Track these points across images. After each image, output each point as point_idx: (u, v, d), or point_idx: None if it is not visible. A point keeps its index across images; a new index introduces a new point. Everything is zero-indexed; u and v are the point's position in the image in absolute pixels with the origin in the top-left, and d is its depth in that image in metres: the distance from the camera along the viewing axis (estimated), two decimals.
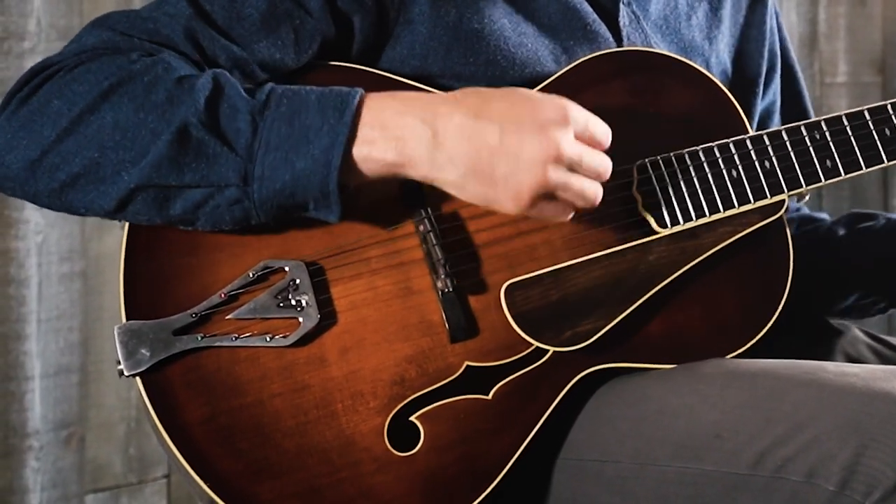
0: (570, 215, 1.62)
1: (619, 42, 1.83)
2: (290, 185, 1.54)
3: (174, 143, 1.53)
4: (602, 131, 1.61)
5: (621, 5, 1.84)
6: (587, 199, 1.60)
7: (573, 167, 1.58)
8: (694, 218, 1.74)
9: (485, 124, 1.56)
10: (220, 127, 1.54)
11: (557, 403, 1.67)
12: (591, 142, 1.60)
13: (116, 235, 1.63)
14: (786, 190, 1.78)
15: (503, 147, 1.55)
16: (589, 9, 1.81)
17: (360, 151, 1.55)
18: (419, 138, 1.55)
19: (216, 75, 1.57)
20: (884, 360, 1.97)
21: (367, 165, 1.56)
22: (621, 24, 1.84)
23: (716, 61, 1.95)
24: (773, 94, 2.06)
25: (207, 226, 1.59)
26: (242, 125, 1.54)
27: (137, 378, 1.58)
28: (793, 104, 2.10)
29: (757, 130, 1.87)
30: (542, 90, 1.73)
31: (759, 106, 2.03)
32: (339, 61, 1.71)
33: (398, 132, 1.55)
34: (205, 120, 1.54)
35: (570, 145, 1.57)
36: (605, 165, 1.61)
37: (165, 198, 1.56)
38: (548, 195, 1.58)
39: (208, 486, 1.56)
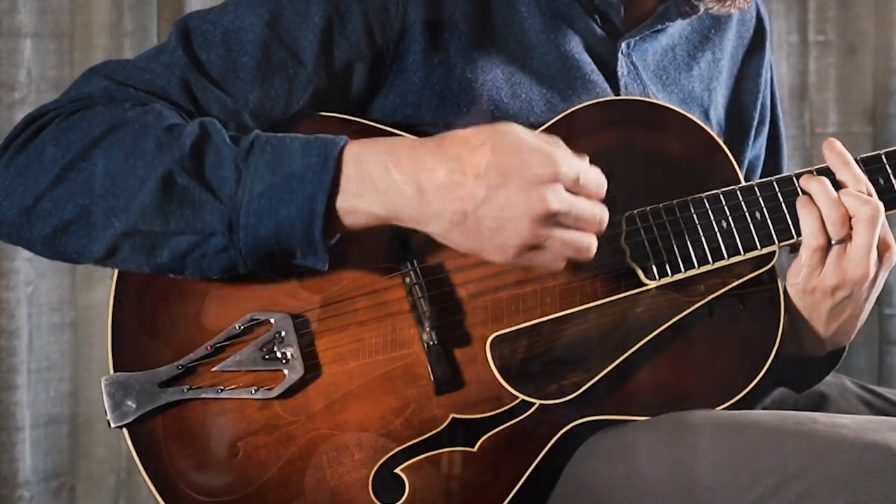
0: (562, 265, 1.60)
1: (617, 92, 1.83)
2: (274, 234, 1.54)
3: (159, 189, 1.53)
4: (596, 181, 1.60)
5: (620, 55, 1.84)
6: (579, 251, 1.59)
7: (563, 221, 1.56)
8: (683, 270, 1.73)
9: (470, 180, 1.54)
10: (205, 175, 1.55)
11: (544, 456, 1.66)
12: (585, 192, 1.58)
13: (106, 286, 1.63)
14: (777, 241, 1.76)
15: (488, 204, 1.53)
16: (588, 59, 1.81)
17: (345, 203, 1.55)
18: (404, 194, 1.54)
19: (203, 123, 1.58)
20: (875, 410, 1.96)
21: (352, 217, 1.56)
22: (619, 73, 1.83)
23: (714, 112, 1.95)
24: (759, 148, 2.05)
25: (196, 274, 1.59)
26: (227, 173, 1.54)
27: (124, 430, 1.58)
28: (773, 161, 2.08)
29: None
30: None
31: (748, 158, 2.02)
32: (332, 110, 1.70)
33: (383, 186, 1.55)
34: (189, 168, 1.54)
35: (558, 201, 1.55)
36: (599, 216, 1.59)
37: (153, 245, 1.56)
38: (537, 247, 1.57)
39: None
